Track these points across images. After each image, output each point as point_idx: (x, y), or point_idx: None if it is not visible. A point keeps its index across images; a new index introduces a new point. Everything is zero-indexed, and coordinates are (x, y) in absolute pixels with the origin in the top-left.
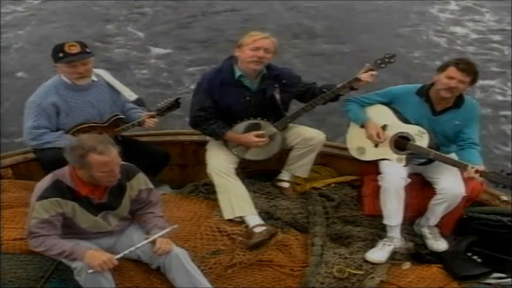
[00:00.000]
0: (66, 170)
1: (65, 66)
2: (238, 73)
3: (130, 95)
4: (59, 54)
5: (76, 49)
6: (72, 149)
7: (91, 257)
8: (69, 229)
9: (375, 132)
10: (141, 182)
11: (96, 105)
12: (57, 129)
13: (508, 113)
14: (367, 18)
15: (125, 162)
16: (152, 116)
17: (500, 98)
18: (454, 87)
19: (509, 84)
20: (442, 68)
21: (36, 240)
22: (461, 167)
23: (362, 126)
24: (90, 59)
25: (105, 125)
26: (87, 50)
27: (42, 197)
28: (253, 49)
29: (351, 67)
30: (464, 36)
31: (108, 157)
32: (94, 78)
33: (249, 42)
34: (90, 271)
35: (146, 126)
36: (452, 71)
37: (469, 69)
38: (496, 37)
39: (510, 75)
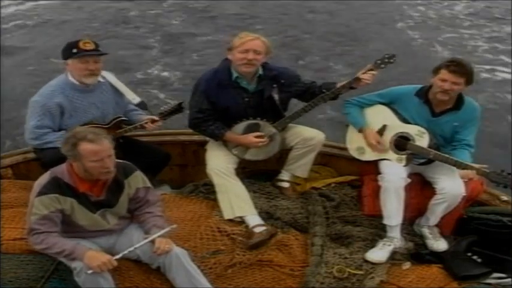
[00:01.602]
0: (63, 167)
1: (78, 62)
2: (235, 74)
3: (133, 98)
4: (73, 50)
5: (90, 46)
6: (66, 140)
7: (91, 258)
8: (69, 227)
9: (375, 141)
10: (138, 180)
11: (100, 107)
12: (60, 130)
13: None
14: None
15: (121, 160)
16: (155, 121)
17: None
18: (448, 90)
19: None
20: (435, 71)
21: (37, 237)
22: (462, 167)
23: (359, 131)
24: (101, 58)
25: (108, 126)
26: (100, 49)
27: (41, 193)
28: (242, 51)
29: None
30: None
31: (99, 145)
32: (100, 79)
33: (238, 44)
34: (90, 272)
35: (148, 129)
36: (444, 73)
37: (461, 70)
38: None
39: None
